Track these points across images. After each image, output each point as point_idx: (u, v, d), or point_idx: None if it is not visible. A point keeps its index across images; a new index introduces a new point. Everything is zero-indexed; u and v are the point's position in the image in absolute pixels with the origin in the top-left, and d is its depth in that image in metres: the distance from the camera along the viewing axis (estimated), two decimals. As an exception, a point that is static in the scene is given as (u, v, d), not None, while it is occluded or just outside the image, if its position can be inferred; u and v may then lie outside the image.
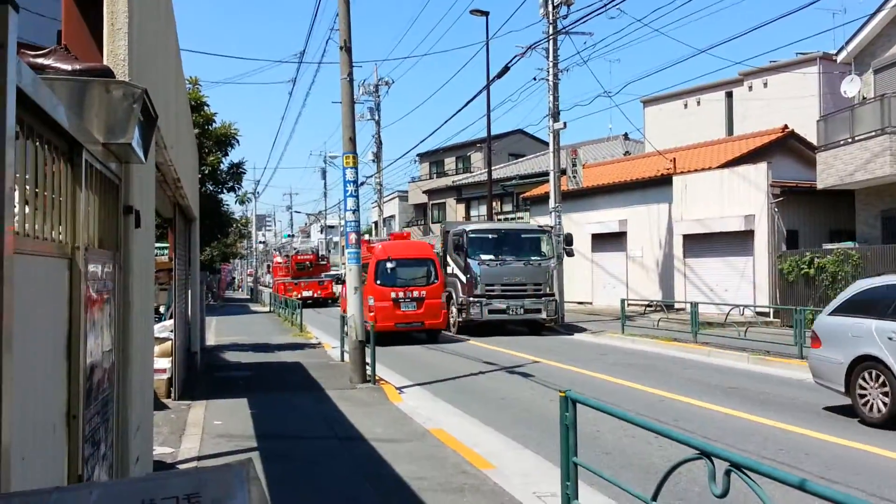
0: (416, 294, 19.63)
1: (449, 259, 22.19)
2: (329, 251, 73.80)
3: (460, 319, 21.16)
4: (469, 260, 20.95)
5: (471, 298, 20.66)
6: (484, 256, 21.05)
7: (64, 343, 2.85)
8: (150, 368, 5.86)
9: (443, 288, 20.71)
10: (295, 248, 64.22)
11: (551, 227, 22.99)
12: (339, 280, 28.89)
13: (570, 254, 23.66)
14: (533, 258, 21.50)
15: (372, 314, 17.67)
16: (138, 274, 4.13)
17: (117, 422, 3.98)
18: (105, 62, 3.59)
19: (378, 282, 19.66)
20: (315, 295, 37.25)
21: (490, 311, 20.64)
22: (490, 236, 21.73)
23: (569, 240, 23.27)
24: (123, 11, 3.63)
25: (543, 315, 21.07)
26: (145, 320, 4.85)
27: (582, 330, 21.45)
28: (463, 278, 21.11)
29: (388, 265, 19.93)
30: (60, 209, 2.68)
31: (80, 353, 2.99)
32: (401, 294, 19.55)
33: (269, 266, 58.48)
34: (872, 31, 21.05)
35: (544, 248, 21.96)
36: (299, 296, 34.01)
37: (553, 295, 21.63)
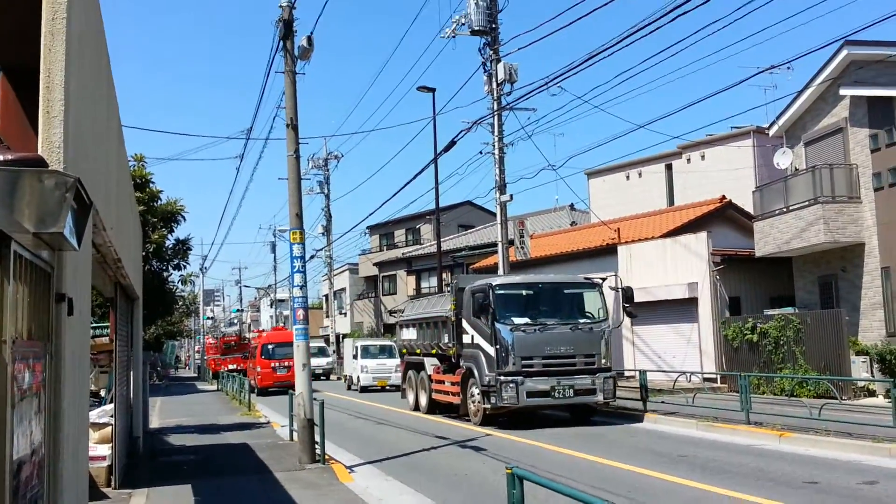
0: (286, 364, 30.20)
1: (465, 325, 17.33)
2: (281, 322, 72.76)
3: (487, 406, 16.04)
4: (498, 325, 15.87)
5: (502, 378, 15.57)
6: (517, 320, 16.00)
7: (-12, 440, 2.74)
8: (85, 459, 5.65)
9: None
10: (222, 332, 72.97)
11: (602, 280, 18.07)
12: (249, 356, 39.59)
13: (632, 314, 18.58)
14: (581, 320, 16.60)
15: (260, 377, 32.09)
16: (71, 362, 4.02)
17: (47, 518, 3.81)
18: (40, 150, 3.56)
19: (263, 357, 32.91)
20: (238, 367, 43.02)
21: (529, 395, 15.58)
22: (524, 293, 16.99)
23: (629, 295, 17.55)
24: (59, 99, 3.63)
25: (599, 397, 16.11)
26: (79, 409, 4.70)
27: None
28: (489, 350, 16.03)
29: (269, 346, 33.36)
30: (-13, 302, 2.62)
31: (5, 450, 2.88)
32: (276, 364, 32.13)
33: (202, 346, 62.09)
34: (801, 106, 22.08)
35: (594, 306, 17.12)
36: (226, 368, 42.42)
37: (610, 369, 16.60)
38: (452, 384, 18.04)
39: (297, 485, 10.40)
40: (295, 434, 13.63)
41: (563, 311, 16.71)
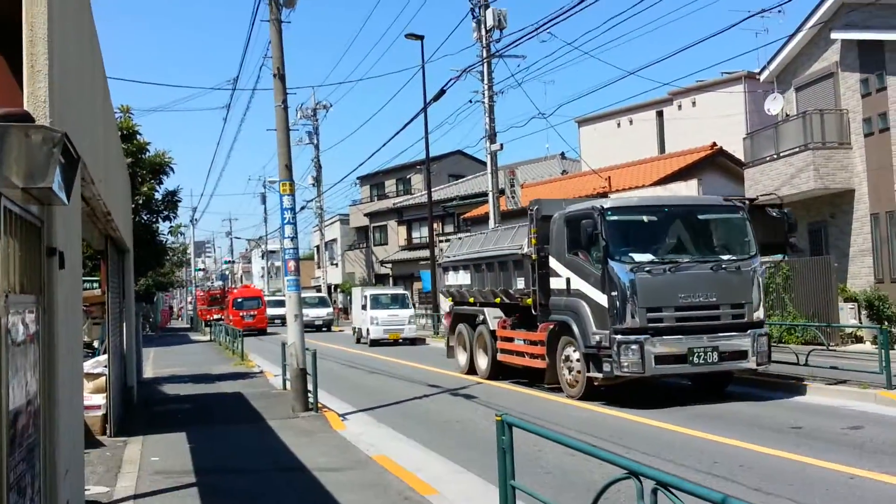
0: (252, 313, 40.86)
1: (556, 265, 13.14)
2: (270, 276, 73.06)
3: (596, 376, 11.93)
4: (612, 264, 11.65)
5: (619, 337, 11.42)
6: (639, 257, 11.79)
7: (-15, 391, 2.80)
8: (80, 409, 5.75)
9: (264, 310, 40.84)
10: (209, 286, 75.99)
11: (750, 201, 13.75)
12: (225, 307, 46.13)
13: (797, 248, 14.56)
14: (726, 257, 12.23)
15: (232, 323, 36.23)
16: (63, 315, 4.07)
17: (45, 466, 3.90)
18: (26, 105, 3.55)
19: (234, 308, 41.37)
20: (220, 316, 45.55)
21: (659, 360, 11.43)
22: (645, 219, 12.30)
23: (792, 222, 13.31)
24: (43, 53, 3.61)
25: (751, 362, 11.83)
26: (73, 361, 4.76)
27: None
28: (598, 299, 11.91)
29: (238, 300, 42.84)
30: (-22, 257, 2.65)
31: (1, 401, 2.94)
32: (244, 313, 40.49)
33: (194, 298, 64.45)
34: (792, 50, 21.93)
35: (739, 237, 12.64)
36: (212, 317, 45.93)
37: (762, 323, 12.31)
38: (531, 343, 13.89)
39: (290, 432, 10.58)
40: (288, 383, 13.82)
41: (700, 244, 12.43)
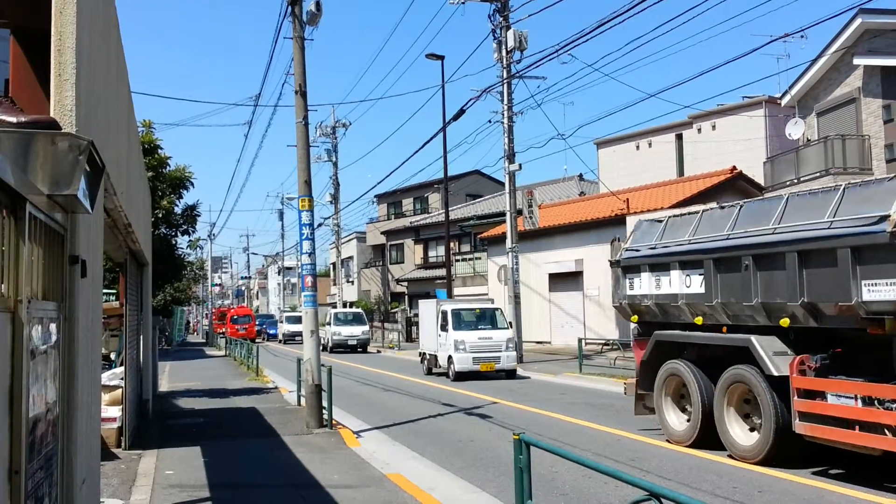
0: (244, 326, 53.50)
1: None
2: (286, 293, 73.27)
3: None
4: None
5: None
6: None
7: (6, 397, 2.80)
8: (97, 419, 5.74)
9: (254, 324, 54.04)
10: (218, 304, 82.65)
11: None
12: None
13: None
14: None
15: (229, 332, 45.39)
16: (84, 323, 4.08)
17: (62, 475, 3.89)
18: (52, 113, 3.58)
19: (231, 322, 54.10)
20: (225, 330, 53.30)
21: None
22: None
23: None
24: (71, 62, 3.64)
25: None
26: (92, 370, 4.77)
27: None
28: None
29: (235, 317, 56.82)
30: (2, 262, 2.66)
31: (22, 407, 2.93)
32: (238, 327, 51.92)
33: (210, 313, 67.98)
34: (814, 76, 21.87)
35: None
36: (220, 331, 53.85)
37: None
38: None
39: (304, 448, 10.54)
40: (303, 399, 13.77)
41: None
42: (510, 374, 20.42)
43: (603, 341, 26.27)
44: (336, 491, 7.98)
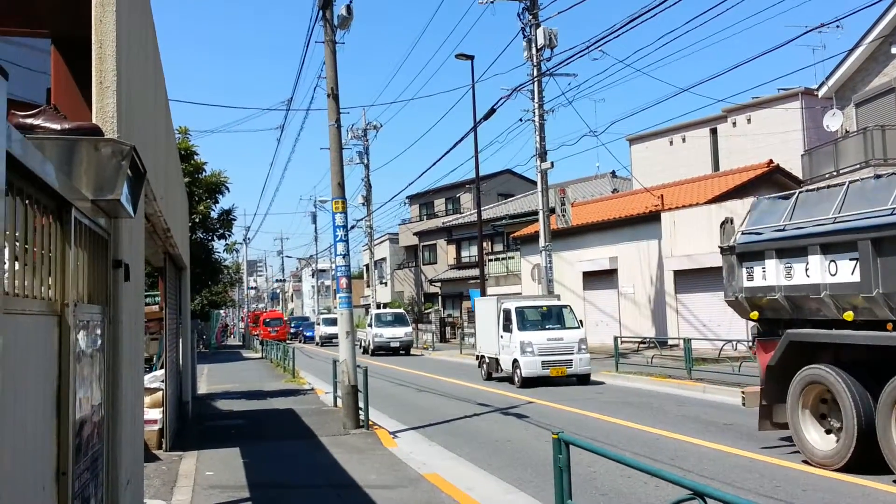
0: (276, 328, 59.64)
1: None
2: (320, 295, 73.76)
3: None
4: None
5: None
6: None
7: (53, 400, 2.84)
8: (141, 421, 5.83)
9: (285, 327, 60.68)
10: (253, 308, 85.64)
11: None
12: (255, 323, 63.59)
13: None
14: None
15: (262, 335, 50.88)
16: (127, 327, 4.14)
17: (107, 476, 3.95)
18: (94, 119, 3.64)
19: (264, 325, 60.14)
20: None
21: None
22: None
23: None
24: (112, 70, 3.70)
25: None
26: (135, 373, 4.84)
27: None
28: None
29: (266, 319, 63.08)
30: (49, 266, 2.71)
31: (69, 410, 2.98)
32: (270, 329, 58.25)
33: (247, 316, 71.18)
34: (852, 66, 21.47)
35: None
36: (254, 333, 58.17)
37: None
38: None
39: (342, 449, 10.60)
40: (339, 400, 13.86)
41: None
42: (583, 380, 18.30)
43: (639, 339, 26.06)
44: (374, 491, 8.01)
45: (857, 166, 19.60)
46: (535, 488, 8.07)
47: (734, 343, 20.13)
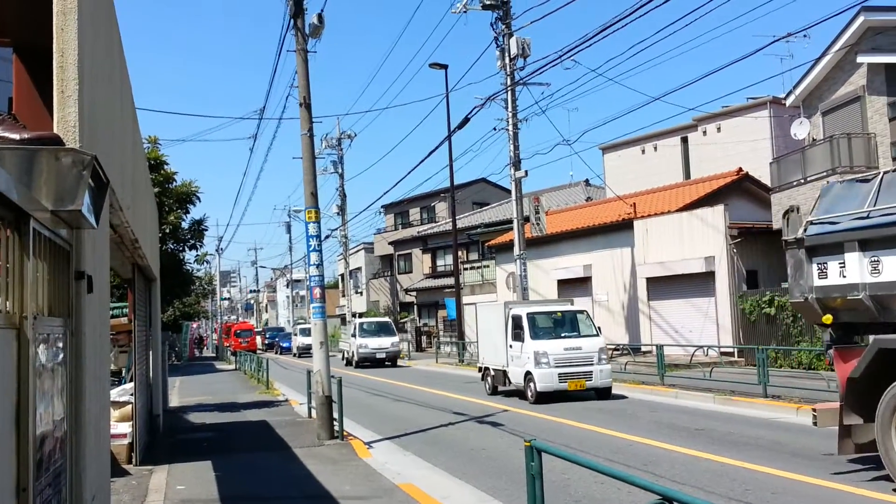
0: (246, 339, 58.12)
1: None
2: (295, 305, 73.33)
3: None
4: None
5: None
6: None
7: (12, 415, 2.79)
8: (107, 435, 5.74)
9: (255, 338, 58.86)
10: (225, 319, 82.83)
11: None
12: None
13: None
14: None
15: (233, 345, 54.90)
16: (91, 339, 4.07)
17: (71, 492, 3.88)
18: (55, 129, 3.59)
19: (235, 336, 59.05)
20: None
21: None
22: None
23: None
24: (73, 79, 3.65)
25: None
26: (100, 386, 4.76)
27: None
28: None
29: (237, 331, 61.76)
30: (7, 278, 2.66)
31: (28, 425, 2.92)
32: (241, 339, 57.41)
33: (220, 327, 70.09)
34: (818, 75, 21.80)
35: None
36: (227, 344, 59.20)
37: None
38: None
39: (316, 460, 10.51)
40: (313, 411, 13.76)
41: None
42: (603, 394, 16.48)
43: (613, 346, 26.16)
44: (347, 502, 7.95)
45: (824, 174, 19.88)
46: (508, 496, 8.06)
47: (705, 349, 20.33)
